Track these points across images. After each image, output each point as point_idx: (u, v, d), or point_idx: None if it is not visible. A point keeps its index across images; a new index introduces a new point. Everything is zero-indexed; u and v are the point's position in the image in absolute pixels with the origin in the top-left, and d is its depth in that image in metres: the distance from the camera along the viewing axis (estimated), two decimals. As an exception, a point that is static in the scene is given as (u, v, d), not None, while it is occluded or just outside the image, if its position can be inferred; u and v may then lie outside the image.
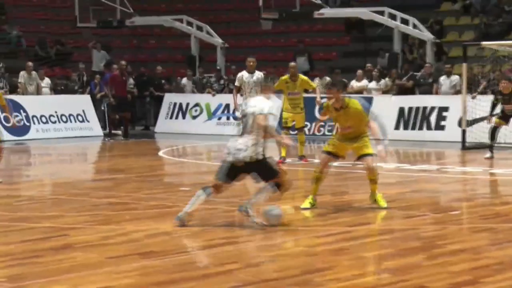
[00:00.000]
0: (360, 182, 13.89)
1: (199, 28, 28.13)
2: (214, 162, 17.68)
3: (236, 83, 16.73)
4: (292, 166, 16.05)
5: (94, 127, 24.28)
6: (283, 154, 16.00)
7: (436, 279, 6.94)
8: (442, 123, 21.14)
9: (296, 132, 16.55)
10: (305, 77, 16.76)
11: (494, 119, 17.17)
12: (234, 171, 9.21)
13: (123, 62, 24.33)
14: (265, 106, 9.19)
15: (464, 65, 19.77)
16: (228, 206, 10.72)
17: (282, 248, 8.33)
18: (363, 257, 7.87)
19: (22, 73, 23.89)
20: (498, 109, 17.21)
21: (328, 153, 10.53)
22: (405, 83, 23.21)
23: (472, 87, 20.45)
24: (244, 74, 16.51)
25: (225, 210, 10.57)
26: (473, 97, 19.63)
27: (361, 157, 10.43)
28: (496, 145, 17.08)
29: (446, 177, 14.51)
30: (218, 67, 26.84)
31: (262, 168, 9.19)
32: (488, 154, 16.75)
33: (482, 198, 11.90)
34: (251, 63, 16.45)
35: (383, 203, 10.45)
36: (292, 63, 17.00)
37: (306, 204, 10.55)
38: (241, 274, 7.23)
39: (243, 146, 9.06)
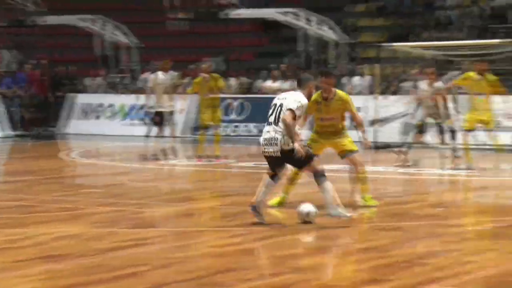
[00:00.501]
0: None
1: (115, 28, 27.93)
2: (126, 164, 17.64)
3: (150, 84, 16.86)
4: (209, 167, 16.12)
5: (4, 127, 23.85)
6: (200, 152, 16.33)
7: (342, 277, 7.06)
8: (354, 122, 21.43)
9: (213, 131, 16.82)
10: (217, 75, 16.93)
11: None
12: (268, 162, 9.32)
13: (44, 61, 24.04)
14: (295, 102, 9.19)
15: (377, 66, 20.15)
16: (137, 208, 10.70)
17: (191, 249, 8.34)
18: (269, 257, 7.94)
19: None
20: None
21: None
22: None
23: (380, 88, 20.85)
24: (158, 75, 16.63)
25: (133, 211, 10.52)
26: (385, 98, 20.03)
27: (346, 154, 10.48)
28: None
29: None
30: (132, 68, 26.70)
31: (291, 158, 9.20)
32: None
33: (390, 197, 12.12)
34: (166, 65, 16.62)
35: (373, 202, 10.61)
36: (206, 64, 17.21)
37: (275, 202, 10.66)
38: (151, 276, 7.21)
39: (278, 138, 9.10)
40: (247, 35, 30.32)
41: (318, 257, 7.88)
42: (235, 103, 23.39)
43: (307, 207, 9.42)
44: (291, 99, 9.23)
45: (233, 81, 24.66)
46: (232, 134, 22.65)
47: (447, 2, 27.21)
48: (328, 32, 25.40)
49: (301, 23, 25.51)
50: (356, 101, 21.42)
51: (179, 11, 25.93)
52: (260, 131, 24.92)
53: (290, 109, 9.12)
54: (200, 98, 16.56)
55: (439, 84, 16.47)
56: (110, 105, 25.00)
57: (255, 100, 22.92)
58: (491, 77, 15.12)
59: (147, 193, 12.64)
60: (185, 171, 16.25)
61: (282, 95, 9.47)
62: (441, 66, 20.83)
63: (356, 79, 22.83)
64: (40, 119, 23.52)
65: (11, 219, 10.17)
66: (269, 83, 23.90)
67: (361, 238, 8.77)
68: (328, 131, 10.42)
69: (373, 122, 19.82)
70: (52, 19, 28.42)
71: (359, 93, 22.36)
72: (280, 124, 9.11)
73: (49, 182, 13.79)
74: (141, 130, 23.37)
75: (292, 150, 9.14)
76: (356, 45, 26.11)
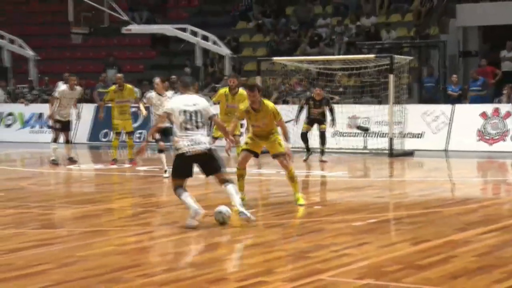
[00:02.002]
0: (166, 185, 13.91)
1: (11, 41, 27.20)
2: (28, 168, 17.16)
3: (57, 95, 16.85)
4: (112, 170, 15.86)
5: None
6: (114, 156, 16.28)
7: (235, 270, 7.07)
8: (242, 130, 21.48)
9: (126, 137, 16.80)
10: (130, 86, 16.98)
11: (302, 124, 17.60)
12: (190, 164, 9.05)
13: None
14: (206, 102, 9.36)
15: (258, 78, 20.30)
16: (41, 210, 10.40)
17: (94, 248, 8.17)
18: (169, 253, 7.87)
19: None
20: (304, 115, 17.65)
21: (247, 150, 10.55)
22: (207, 94, 23.49)
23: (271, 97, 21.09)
24: (65, 89, 16.74)
25: (39, 213, 10.23)
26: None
27: (275, 155, 10.52)
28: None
29: (246, 178, 14.68)
30: (30, 78, 26.10)
31: (212, 159, 9.11)
32: (305, 157, 17.23)
33: (275, 197, 12.20)
34: (73, 81, 16.80)
35: (302, 201, 10.60)
36: (119, 74, 17.40)
37: None
38: (54, 274, 7.02)
39: (202, 139, 9.05)
40: (139, 48, 30.09)
41: (211, 253, 7.85)
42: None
43: (219, 208, 9.28)
44: (205, 104, 9.24)
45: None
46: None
47: (318, 22, 27.72)
48: (214, 47, 25.44)
49: (190, 38, 25.46)
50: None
51: (76, 25, 25.44)
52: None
53: (214, 114, 9.34)
54: (113, 106, 16.53)
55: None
56: (10, 114, 24.33)
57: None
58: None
59: (50, 196, 12.32)
60: (88, 175, 15.94)
61: (189, 101, 9.17)
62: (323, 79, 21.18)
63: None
64: None
65: None
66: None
67: (250, 235, 8.79)
68: (261, 135, 10.46)
69: None
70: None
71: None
72: (204, 128, 9.10)
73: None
74: (40, 137, 22.87)
75: (215, 150, 9.18)
76: (239, 59, 26.25)
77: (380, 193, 12.57)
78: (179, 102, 9.19)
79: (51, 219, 9.76)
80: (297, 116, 17.67)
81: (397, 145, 18.88)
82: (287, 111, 18.06)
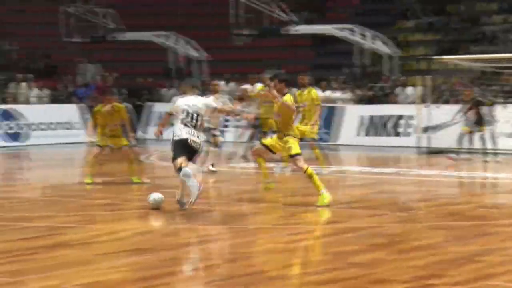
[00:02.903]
0: (326, 185, 13.89)
1: (186, 43, 28.17)
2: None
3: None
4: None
5: (82, 134, 24.10)
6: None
7: (399, 273, 6.92)
8: (408, 130, 21.18)
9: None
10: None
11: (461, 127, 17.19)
12: (187, 148, 10.05)
13: (107, 74, 24.43)
14: (207, 101, 10.66)
15: (428, 77, 19.97)
16: (207, 207, 10.67)
17: (257, 245, 8.28)
18: (332, 253, 7.84)
19: (12, 84, 23.83)
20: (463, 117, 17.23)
21: (264, 145, 10.74)
22: (366, 93, 23.30)
23: (431, 97, 20.64)
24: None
25: (204, 210, 10.49)
26: (437, 106, 19.84)
27: (290, 157, 10.64)
28: (456, 150, 17.14)
29: (407, 179, 14.48)
30: (203, 79, 26.99)
31: (196, 154, 10.28)
32: (453, 156, 16.86)
33: (440, 198, 11.89)
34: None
35: (322, 202, 10.33)
36: (267, 75, 17.47)
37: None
38: (220, 269, 7.17)
39: (199, 134, 10.17)
40: (300, 49, 30.24)
41: (373, 254, 7.74)
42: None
43: (153, 195, 10.18)
44: (204, 102, 10.42)
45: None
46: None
47: (492, 18, 26.76)
48: (377, 46, 25.14)
49: (351, 38, 25.32)
50: (409, 109, 21.22)
51: (244, 27, 25.99)
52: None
53: (215, 107, 10.64)
54: (260, 104, 16.68)
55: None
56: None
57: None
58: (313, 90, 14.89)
59: (216, 193, 12.62)
60: (248, 173, 16.17)
61: (191, 101, 10.20)
62: (488, 78, 20.51)
63: (409, 90, 22.58)
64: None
65: (93, 216, 10.24)
66: (319, 93, 23.76)
67: (414, 236, 8.61)
68: (278, 127, 10.78)
69: (426, 129, 19.58)
70: (126, 35, 28.74)
71: (405, 102, 22.15)
72: (199, 128, 10.18)
73: (125, 182, 13.76)
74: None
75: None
76: (403, 58, 25.77)
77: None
78: (183, 102, 10.23)
79: (217, 216, 9.99)
80: (455, 118, 17.20)
81: None
82: (448, 110, 17.67)
